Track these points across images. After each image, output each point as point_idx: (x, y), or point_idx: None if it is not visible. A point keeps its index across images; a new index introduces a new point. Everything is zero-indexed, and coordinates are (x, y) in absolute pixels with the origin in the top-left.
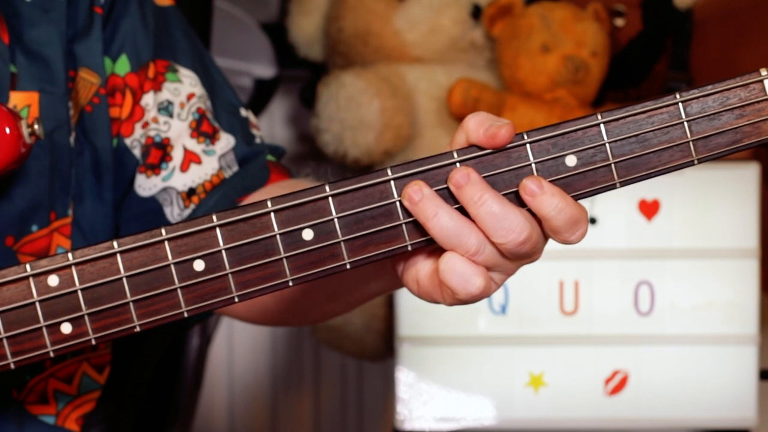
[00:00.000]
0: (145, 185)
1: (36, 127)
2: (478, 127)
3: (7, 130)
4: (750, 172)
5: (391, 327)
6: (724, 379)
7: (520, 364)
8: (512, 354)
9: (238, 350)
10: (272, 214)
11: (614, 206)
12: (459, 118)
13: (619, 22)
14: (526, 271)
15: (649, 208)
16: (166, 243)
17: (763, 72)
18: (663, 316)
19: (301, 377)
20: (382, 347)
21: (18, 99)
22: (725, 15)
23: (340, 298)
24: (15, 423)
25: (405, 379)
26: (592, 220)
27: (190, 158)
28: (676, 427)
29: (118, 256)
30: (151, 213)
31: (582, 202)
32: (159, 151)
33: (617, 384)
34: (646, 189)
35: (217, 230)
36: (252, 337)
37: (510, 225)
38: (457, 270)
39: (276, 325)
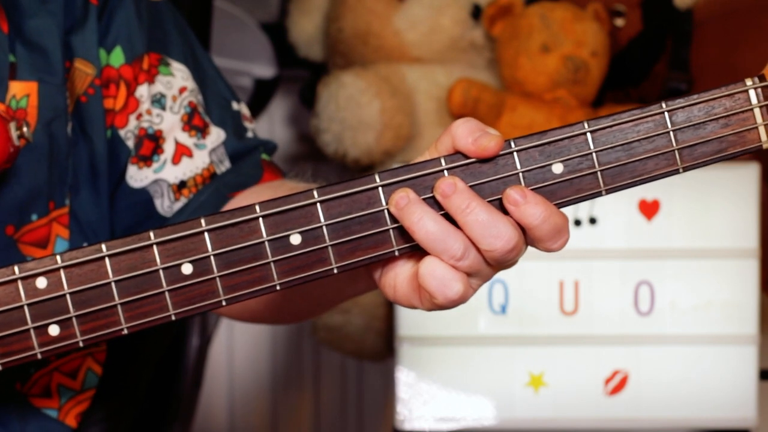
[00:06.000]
0: (137, 176)
1: (25, 129)
2: (467, 135)
3: None
4: (750, 172)
5: (391, 327)
6: (724, 379)
7: (520, 364)
8: (512, 354)
9: (238, 350)
10: (260, 219)
11: (614, 206)
12: (459, 118)
13: (619, 22)
14: (526, 271)
15: (649, 208)
16: (154, 246)
17: (749, 82)
18: (663, 316)
19: (301, 377)
20: (382, 347)
21: (17, 88)
22: (725, 15)
23: (315, 300)
24: (18, 415)
25: (405, 379)
26: (592, 220)
27: (182, 151)
28: (676, 427)
29: (107, 260)
30: (141, 204)
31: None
32: (151, 143)
33: (617, 384)
34: (646, 189)
35: (206, 234)
36: (252, 337)
37: (498, 233)
38: (437, 274)
39: (255, 322)
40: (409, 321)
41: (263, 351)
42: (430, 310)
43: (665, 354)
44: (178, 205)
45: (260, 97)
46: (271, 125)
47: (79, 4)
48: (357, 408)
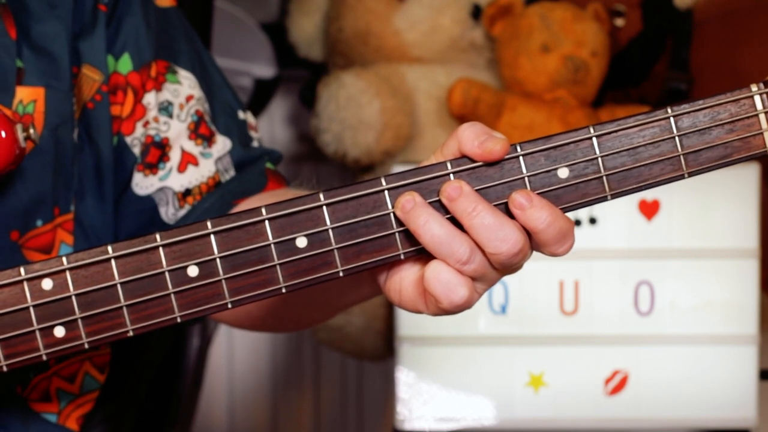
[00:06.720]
0: (143, 184)
1: (31, 131)
2: (473, 139)
3: (3, 134)
4: (750, 172)
5: (391, 327)
6: (724, 379)
7: (520, 364)
8: (512, 354)
9: (238, 350)
10: (267, 222)
11: (614, 206)
12: (459, 118)
13: (619, 22)
14: (526, 271)
15: (649, 208)
16: (160, 249)
17: (754, 88)
18: (663, 316)
19: (301, 377)
20: (382, 347)
21: (24, 94)
22: (725, 15)
23: (318, 305)
24: (19, 420)
25: (405, 379)
26: (592, 220)
27: (188, 159)
28: (676, 427)
29: (113, 261)
30: (146, 212)
31: None
32: (158, 151)
33: (617, 384)
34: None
35: (212, 237)
36: (252, 338)
37: (504, 236)
38: (442, 278)
39: (256, 330)
40: (409, 321)
41: (263, 351)
42: (435, 314)
43: (665, 354)
44: (183, 212)
45: (260, 97)
46: (271, 125)
47: (87, 9)
48: (357, 408)
